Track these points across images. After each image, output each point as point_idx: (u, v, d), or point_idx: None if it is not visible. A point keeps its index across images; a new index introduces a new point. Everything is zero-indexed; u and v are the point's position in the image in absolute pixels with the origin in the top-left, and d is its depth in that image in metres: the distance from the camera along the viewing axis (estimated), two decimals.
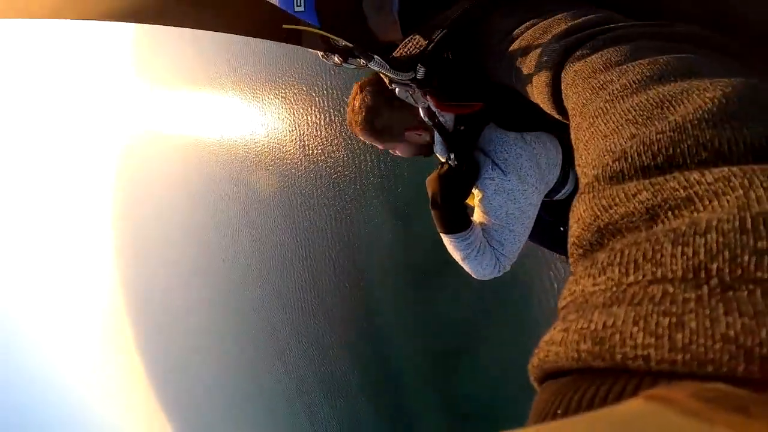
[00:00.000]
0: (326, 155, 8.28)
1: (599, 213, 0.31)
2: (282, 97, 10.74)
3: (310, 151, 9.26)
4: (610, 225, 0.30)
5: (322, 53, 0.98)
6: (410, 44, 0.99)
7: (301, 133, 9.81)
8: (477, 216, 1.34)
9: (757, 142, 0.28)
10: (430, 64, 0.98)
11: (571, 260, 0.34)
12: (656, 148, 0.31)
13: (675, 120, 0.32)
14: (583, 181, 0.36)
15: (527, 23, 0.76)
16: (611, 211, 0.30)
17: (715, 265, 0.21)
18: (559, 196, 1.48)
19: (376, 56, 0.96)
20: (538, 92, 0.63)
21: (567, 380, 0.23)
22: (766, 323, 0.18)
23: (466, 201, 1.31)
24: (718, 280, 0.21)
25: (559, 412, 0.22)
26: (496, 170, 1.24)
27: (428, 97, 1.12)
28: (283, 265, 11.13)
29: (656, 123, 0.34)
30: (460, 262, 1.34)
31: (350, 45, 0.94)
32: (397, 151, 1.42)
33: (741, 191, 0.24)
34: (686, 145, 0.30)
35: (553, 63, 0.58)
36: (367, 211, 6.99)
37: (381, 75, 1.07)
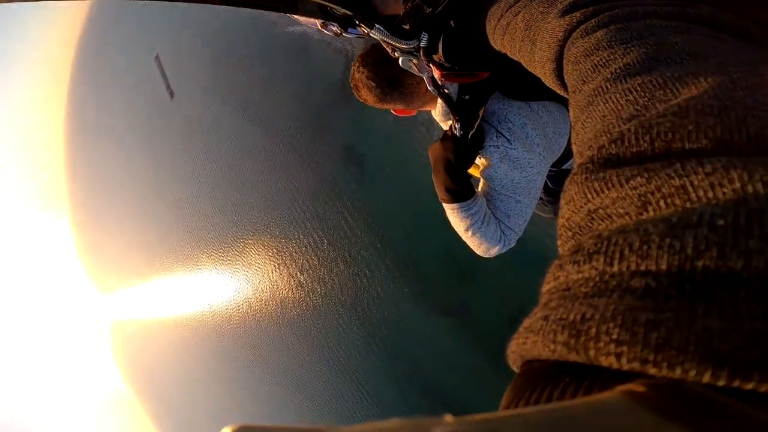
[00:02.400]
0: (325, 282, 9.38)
1: (590, 196, 0.30)
2: (256, 247, 12.12)
3: (306, 285, 10.55)
4: (601, 209, 0.29)
5: (320, 23, 0.95)
6: (413, 11, 0.94)
7: (290, 270, 11.17)
8: (482, 187, 1.32)
9: (761, 133, 0.26)
10: (434, 31, 0.96)
11: (559, 242, 0.34)
12: (655, 132, 0.29)
13: (678, 103, 0.30)
14: (578, 161, 0.34)
15: None
16: (602, 196, 0.29)
17: (701, 263, 0.20)
18: (567, 166, 1.47)
19: (377, 24, 0.93)
20: (540, 67, 0.61)
21: (540, 372, 0.23)
22: (743, 328, 0.17)
23: (470, 172, 1.29)
24: (703, 278, 0.20)
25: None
26: (501, 138, 1.23)
27: (431, 66, 1.09)
28: None
29: (657, 105, 0.32)
30: (464, 237, 1.30)
31: (350, 13, 0.91)
32: (412, 109, 1.36)
33: (738, 184, 0.22)
34: (686, 131, 0.27)
35: (557, 38, 0.55)
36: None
37: (383, 44, 1.04)
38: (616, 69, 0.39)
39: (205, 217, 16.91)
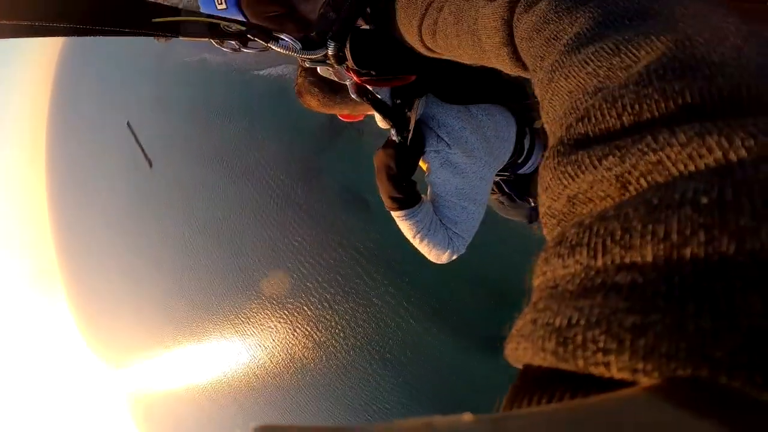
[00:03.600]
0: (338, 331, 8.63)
1: (566, 182, 0.27)
2: (261, 311, 11.14)
3: (326, 343, 9.68)
4: (580, 194, 0.27)
5: (216, 42, 0.89)
6: (321, 19, 0.91)
7: (305, 330, 10.25)
8: (429, 193, 1.28)
9: (735, 93, 0.23)
10: (339, 38, 0.90)
11: (545, 231, 0.32)
12: (620, 104, 0.27)
13: (638, 71, 0.28)
14: (549, 142, 0.33)
15: None
16: (578, 180, 0.26)
17: (688, 250, 0.18)
18: (524, 170, 1.45)
19: (282, 36, 0.89)
20: (495, 56, 0.57)
21: (538, 376, 0.21)
22: (740, 327, 0.15)
23: (420, 166, 1.24)
24: (692, 268, 0.17)
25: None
26: (440, 143, 1.20)
27: (349, 72, 1.03)
28: None
29: (618, 74, 0.30)
30: (414, 243, 1.25)
31: (243, 29, 0.88)
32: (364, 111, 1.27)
33: (720, 152, 0.20)
34: (653, 100, 0.25)
35: (502, 20, 0.52)
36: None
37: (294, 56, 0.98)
38: (567, 41, 0.37)
39: (204, 285, 15.97)
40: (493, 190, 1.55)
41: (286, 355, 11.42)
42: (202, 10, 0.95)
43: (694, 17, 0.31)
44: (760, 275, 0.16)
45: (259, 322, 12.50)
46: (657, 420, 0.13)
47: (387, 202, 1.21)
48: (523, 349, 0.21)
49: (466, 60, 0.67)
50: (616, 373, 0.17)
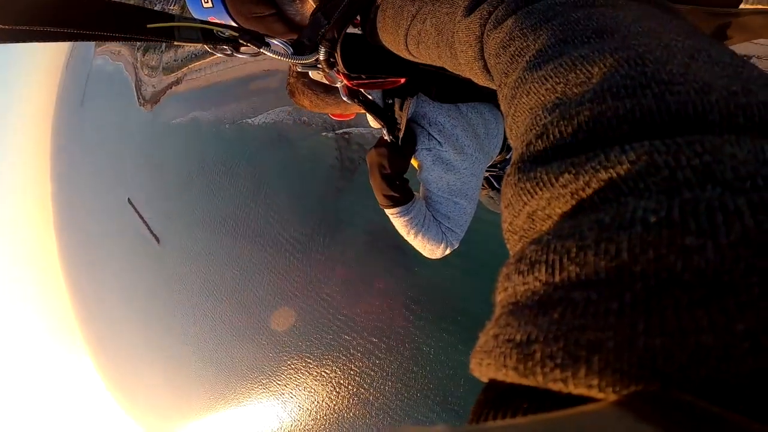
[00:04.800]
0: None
1: (526, 198, 0.27)
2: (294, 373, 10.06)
3: (375, 401, 8.62)
4: (539, 211, 0.26)
5: (209, 46, 0.88)
6: (312, 25, 0.90)
7: (350, 389, 9.19)
8: (422, 190, 1.26)
9: (683, 111, 0.24)
10: (330, 43, 0.89)
11: (508, 246, 0.31)
12: (576, 122, 0.27)
13: (594, 89, 0.28)
14: (513, 158, 0.32)
15: None
16: (537, 197, 0.26)
17: (639, 268, 0.18)
18: None
19: (273, 41, 0.88)
20: (468, 69, 0.58)
21: (502, 390, 0.21)
22: (688, 344, 0.16)
23: (412, 163, 1.24)
24: (642, 285, 0.18)
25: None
26: (432, 141, 1.18)
27: (340, 75, 1.01)
28: None
29: (575, 90, 0.29)
30: (409, 240, 1.23)
31: (236, 34, 0.87)
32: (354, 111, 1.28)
33: (667, 171, 0.21)
34: (606, 118, 0.26)
35: (474, 36, 0.53)
36: None
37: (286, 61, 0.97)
38: (530, 57, 0.37)
39: (232, 349, 14.94)
40: (483, 185, 1.54)
41: (332, 417, 10.27)
42: (189, 8, 0.95)
43: (647, 35, 0.32)
44: (706, 292, 0.16)
45: (296, 384, 11.43)
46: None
47: (381, 200, 1.20)
48: (486, 365, 0.21)
49: (448, 69, 0.69)
50: (573, 389, 0.17)
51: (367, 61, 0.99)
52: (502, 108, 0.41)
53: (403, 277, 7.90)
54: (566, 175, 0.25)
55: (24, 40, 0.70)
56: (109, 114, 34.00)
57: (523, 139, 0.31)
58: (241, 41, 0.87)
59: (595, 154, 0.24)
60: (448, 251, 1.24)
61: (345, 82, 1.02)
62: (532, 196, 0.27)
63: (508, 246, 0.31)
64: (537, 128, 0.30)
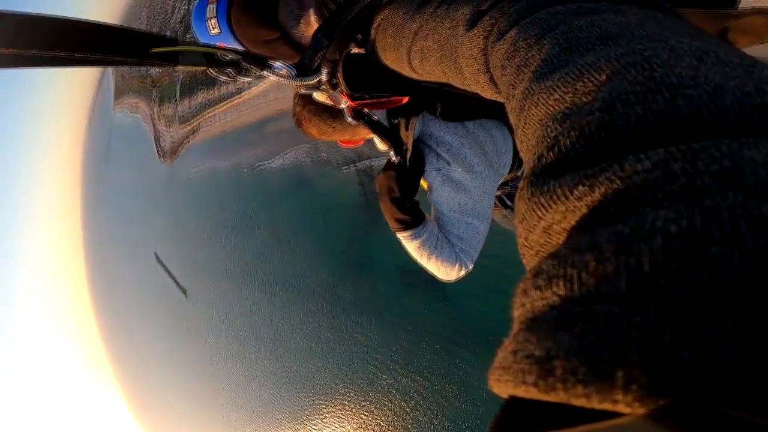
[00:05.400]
0: None
1: (540, 213, 0.26)
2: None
3: None
4: (555, 225, 0.26)
5: (213, 71, 0.88)
6: (314, 46, 0.86)
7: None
8: (433, 212, 1.22)
9: (696, 115, 0.23)
10: (332, 63, 0.87)
11: (524, 261, 0.31)
12: (587, 132, 0.26)
13: (603, 97, 0.27)
14: (525, 171, 0.31)
15: (425, 11, 0.69)
16: (552, 211, 0.25)
17: (662, 280, 0.17)
18: None
19: (276, 64, 0.89)
20: (474, 83, 0.57)
21: (523, 407, 0.20)
22: (718, 357, 0.15)
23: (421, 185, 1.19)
24: (667, 298, 0.17)
25: None
26: (440, 161, 1.15)
27: (343, 96, 0.98)
28: None
29: (584, 99, 0.29)
30: (422, 263, 1.19)
31: (238, 56, 0.87)
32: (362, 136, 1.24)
33: (685, 179, 0.20)
34: (617, 127, 0.25)
35: (479, 49, 0.52)
36: None
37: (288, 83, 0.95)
38: (536, 68, 0.37)
39: (264, 395, 14.44)
40: (495, 204, 1.48)
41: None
42: (195, 35, 0.95)
43: (652, 39, 0.31)
44: (734, 303, 0.16)
45: (333, 430, 10.80)
46: None
47: (392, 224, 1.18)
48: (505, 381, 0.20)
49: (454, 84, 0.69)
50: (597, 405, 0.17)
51: (370, 80, 0.95)
52: (511, 120, 0.39)
53: (441, 309, 7.41)
54: (581, 188, 0.24)
55: (30, 65, 0.71)
56: (132, 169, 34.88)
57: (535, 151, 0.30)
58: (243, 64, 0.88)
59: (609, 165, 0.23)
60: (462, 273, 1.20)
61: (349, 102, 1.00)
62: (546, 211, 0.26)
63: (524, 261, 0.30)
64: (548, 140, 0.29)
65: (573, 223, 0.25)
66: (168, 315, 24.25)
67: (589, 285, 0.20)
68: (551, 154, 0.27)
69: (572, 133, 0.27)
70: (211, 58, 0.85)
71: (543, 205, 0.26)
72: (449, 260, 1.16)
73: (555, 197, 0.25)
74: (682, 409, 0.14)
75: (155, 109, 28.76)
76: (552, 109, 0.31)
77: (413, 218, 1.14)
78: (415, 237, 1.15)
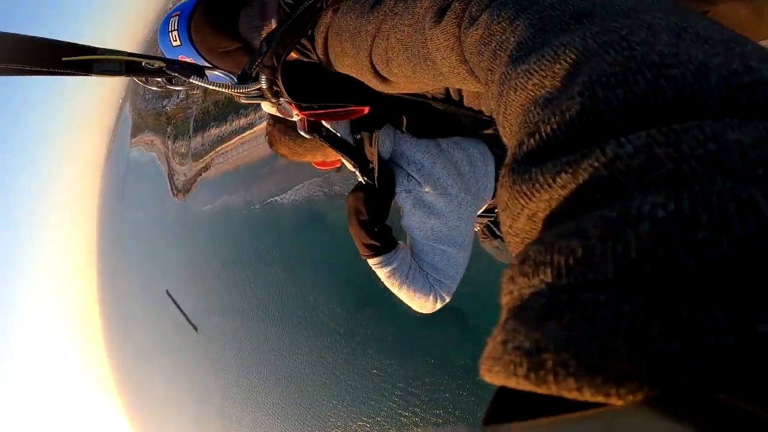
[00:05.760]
0: None
1: (524, 201, 0.25)
2: None
3: None
4: (539, 212, 0.25)
5: (139, 80, 0.85)
6: (256, 53, 0.83)
7: None
8: (408, 239, 1.11)
9: (680, 96, 0.22)
10: (271, 70, 0.83)
11: (510, 249, 0.30)
12: (567, 118, 0.25)
13: (582, 80, 0.26)
14: (507, 158, 0.30)
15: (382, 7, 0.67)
16: (535, 199, 0.25)
17: (650, 266, 0.17)
18: None
19: (215, 73, 0.88)
20: (454, 76, 0.55)
21: (515, 397, 0.20)
22: (707, 348, 0.14)
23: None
24: (654, 285, 0.17)
25: None
26: (411, 181, 1.05)
27: (293, 106, 0.93)
28: None
29: (564, 82, 0.28)
30: (393, 290, 1.09)
31: (163, 65, 0.84)
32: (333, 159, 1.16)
33: (671, 164, 0.19)
34: (598, 111, 0.24)
35: (454, 39, 0.50)
36: None
37: (226, 93, 0.91)
38: (512, 51, 0.36)
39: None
40: (484, 233, 1.41)
41: None
42: (161, 48, 0.93)
43: (627, 15, 0.30)
44: (723, 291, 0.15)
45: None
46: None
47: (361, 249, 1.07)
48: (496, 372, 0.20)
49: (426, 85, 0.64)
50: (589, 397, 0.16)
51: (318, 88, 0.91)
52: (492, 107, 0.37)
53: (460, 339, 7.16)
54: (563, 175, 0.23)
55: None
56: (146, 206, 35.31)
57: (516, 137, 0.29)
58: (168, 72, 0.85)
59: (591, 150, 0.22)
60: (438, 305, 1.10)
61: (298, 113, 0.95)
62: (530, 199, 0.25)
63: (510, 249, 0.29)
64: (528, 126, 0.28)
65: (558, 210, 0.24)
66: (178, 350, 24.12)
67: (576, 272, 0.19)
68: (532, 141, 0.27)
69: (553, 119, 0.26)
70: (132, 66, 0.83)
71: (526, 194, 0.25)
72: (422, 291, 1.06)
73: (538, 185, 0.24)
74: (678, 396, 0.14)
75: (170, 146, 29.35)
76: (532, 94, 0.30)
77: (383, 244, 1.05)
78: (384, 264, 1.06)
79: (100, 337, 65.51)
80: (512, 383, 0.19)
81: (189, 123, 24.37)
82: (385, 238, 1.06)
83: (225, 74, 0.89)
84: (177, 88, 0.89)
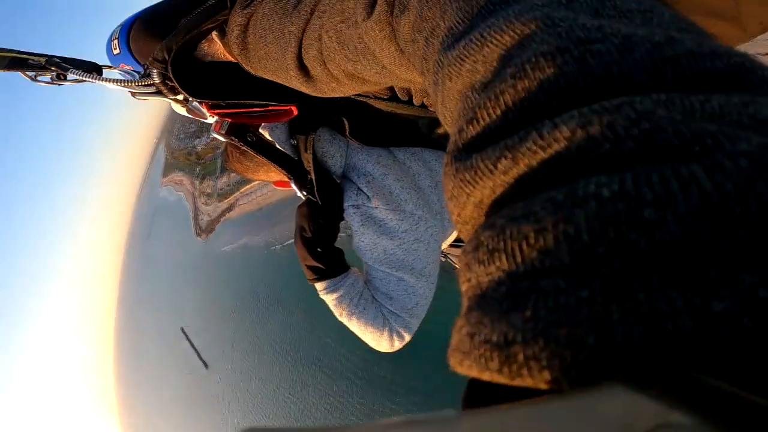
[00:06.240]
0: None
1: (468, 189, 0.25)
2: None
3: None
4: (485, 199, 0.24)
5: (28, 76, 0.86)
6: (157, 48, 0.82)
7: None
8: (364, 266, 1.01)
9: (607, 73, 0.22)
10: (162, 63, 0.79)
11: (462, 236, 0.29)
12: (502, 102, 0.25)
13: (513, 62, 0.26)
14: (449, 146, 0.29)
15: None
16: (479, 186, 0.24)
17: (602, 248, 0.17)
18: None
19: (113, 71, 0.90)
20: (398, 67, 0.52)
21: (489, 388, 0.19)
22: (667, 331, 0.14)
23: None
24: (609, 268, 0.16)
25: None
26: (360, 196, 0.94)
27: (204, 106, 0.87)
28: None
29: (495, 65, 0.28)
30: (343, 321, 0.98)
31: (44, 58, 0.85)
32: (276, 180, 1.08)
33: (608, 145, 0.19)
34: (532, 94, 0.24)
35: (391, 29, 0.48)
36: None
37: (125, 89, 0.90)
38: (443, 37, 0.35)
39: None
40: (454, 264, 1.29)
41: None
42: (107, 57, 0.94)
43: None
44: (675, 270, 0.15)
45: None
46: (633, 411, 0.12)
47: (306, 272, 0.98)
48: (467, 366, 0.19)
49: (371, 82, 0.63)
50: (566, 387, 0.16)
51: (237, 86, 0.85)
52: (431, 96, 0.36)
53: None
54: (504, 161, 0.23)
55: None
56: (171, 245, 35.75)
57: (455, 126, 0.28)
58: (51, 68, 0.85)
59: (528, 133, 0.22)
60: (397, 344, 0.97)
61: (207, 112, 0.88)
62: (474, 186, 0.24)
63: (461, 236, 0.29)
64: (467, 112, 0.27)
65: (504, 194, 0.23)
66: (187, 386, 23.73)
67: (533, 258, 0.19)
68: (471, 127, 0.26)
69: (488, 103, 0.25)
70: (17, 61, 0.83)
71: (469, 182, 0.25)
72: (374, 324, 0.94)
73: (480, 172, 0.24)
74: (655, 376, 0.14)
75: (197, 186, 29.97)
76: (467, 79, 0.30)
77: (329, 267, 0.95)
78: (330, 290, 0.95)
79: (110, 366, 65.12)
80: (486, 377, 0.18)
81: (216, 162, 24.92)
82: (332, 261, 0.95)
83: (126, 71, 0.87)
84: (66, 83, 0.88)
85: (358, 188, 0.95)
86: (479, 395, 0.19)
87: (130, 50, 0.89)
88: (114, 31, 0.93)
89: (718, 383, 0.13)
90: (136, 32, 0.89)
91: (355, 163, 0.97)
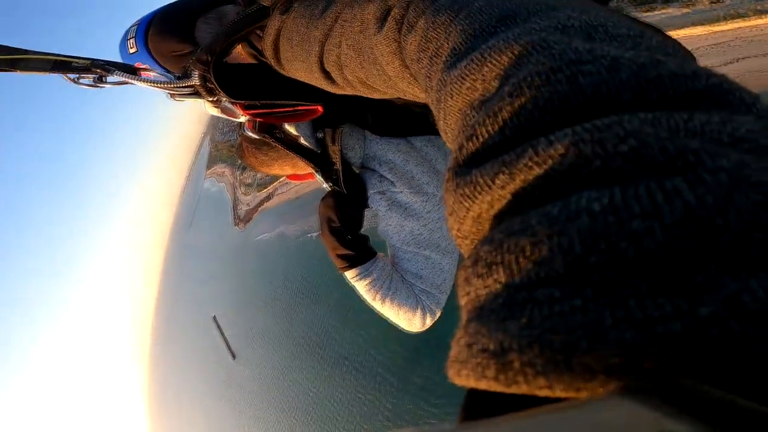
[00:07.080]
0: None
1: (468, 204, 0.26)
2: None
3: None
4: (483, 214, 0.25)
5: (69, 78, 0.87)
6: (195, 50, 0.86)
7: None
8: (389, 251, 1.05)
9: (597, 92, 0.23)
10: (204, 65, 0.82)
11: (462, 251, 0.30)
12: (500, 119, 0.26)
13: (511, 81, 0.27)
14: (449, 162, 0.30)
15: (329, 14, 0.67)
16: (478, 201, 0.25)
17: (594, 259, 0.17)
18: None
19: (150, 74, 0.89)
20: (401, 80, 0.54)
21: (487, 397, 0.19)
22: (657, 336, 0.15)
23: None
24: (601, 277, 0.17)
25: None
26: (384, 182, 1.00)
27: (237, 106, 0.90)
28: None
29: (494, 83, 0.29)
30: (376, 307, 1.00)
31: (87, 61, 0.86)
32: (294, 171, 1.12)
33: (599, 162, 0.20)
34: (527, 111, 0.25)
35: (397, 44, 0.50)
36: None
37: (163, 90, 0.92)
38: (446, 57, 0.37)
39: None
40: None
41: None
42: (121, 56, 0.95)
43: (545, 16, 0.31)
44: (663, 277, 0.16)
45: None
46: (632, 421, 0.12)
47: (336, 262, 1.02)
48: (465, 376, 0.20)
49: (380, 91, 0.65)
50: (561, 394, 0.16)
51: (268, 88, 0.88)
52: (434, 113, 0.38)
53: None
54: (501, 176, 0.23)
55: None
56: (210, 235, 36.23)
57: (457, 143, 0.29)
58: (93, 69, 0.86)
59: (524, 150, 0.23)
60: (428, 321, 1.00)
61: (241, 112, 0.91)
62: (473, 201, 0.25)
63: (462, 251, 0.29)
64: (466, 129, 0.28)
65: (502, 209, 0.24)
66: (213, 376, 23.67)
67: (529, 270, 0.19)
68: (470, 144, 0.27)
69: (487, 120, 0.26)
70: (60, 64, 0.84)
71: (468, 196, 0.25)
72: (407, 304, 0.97)
73: (479, 187, 0.25)
74: (647, 384, 0.14)
75: (237, 177, 30.03)
76: (466, 97, 0.31)
77: (358, 253, 0.97)
78: (362, 276, 0.97)
79: (147, 354, 66.82)
80: (483, 385, 0.19)
81: None
82: (360, 247, 0.99)
83: (163, 71, 0.87)
84: (107, 86, 0.89)
85: (381, 175, 1.00)
86: (478, 406, 0.19)
87: (147, 49, 0.90)
88: (129, 29, 0.92)
89: (717, 392, 0.13)
90: (155, 31, 0.89)
91: (375, 152, 1.01)
